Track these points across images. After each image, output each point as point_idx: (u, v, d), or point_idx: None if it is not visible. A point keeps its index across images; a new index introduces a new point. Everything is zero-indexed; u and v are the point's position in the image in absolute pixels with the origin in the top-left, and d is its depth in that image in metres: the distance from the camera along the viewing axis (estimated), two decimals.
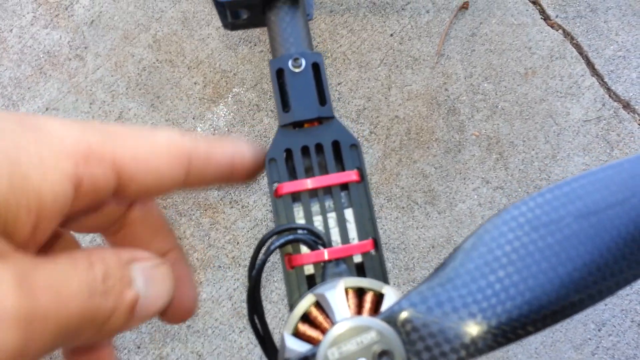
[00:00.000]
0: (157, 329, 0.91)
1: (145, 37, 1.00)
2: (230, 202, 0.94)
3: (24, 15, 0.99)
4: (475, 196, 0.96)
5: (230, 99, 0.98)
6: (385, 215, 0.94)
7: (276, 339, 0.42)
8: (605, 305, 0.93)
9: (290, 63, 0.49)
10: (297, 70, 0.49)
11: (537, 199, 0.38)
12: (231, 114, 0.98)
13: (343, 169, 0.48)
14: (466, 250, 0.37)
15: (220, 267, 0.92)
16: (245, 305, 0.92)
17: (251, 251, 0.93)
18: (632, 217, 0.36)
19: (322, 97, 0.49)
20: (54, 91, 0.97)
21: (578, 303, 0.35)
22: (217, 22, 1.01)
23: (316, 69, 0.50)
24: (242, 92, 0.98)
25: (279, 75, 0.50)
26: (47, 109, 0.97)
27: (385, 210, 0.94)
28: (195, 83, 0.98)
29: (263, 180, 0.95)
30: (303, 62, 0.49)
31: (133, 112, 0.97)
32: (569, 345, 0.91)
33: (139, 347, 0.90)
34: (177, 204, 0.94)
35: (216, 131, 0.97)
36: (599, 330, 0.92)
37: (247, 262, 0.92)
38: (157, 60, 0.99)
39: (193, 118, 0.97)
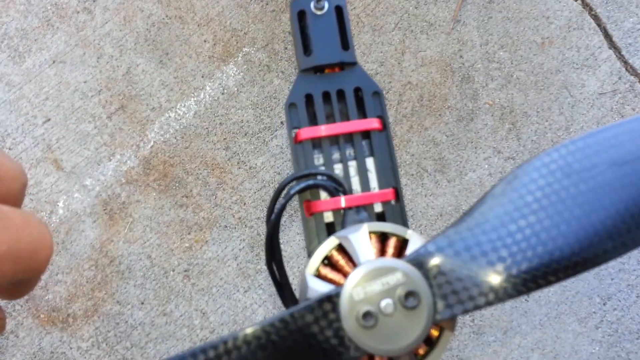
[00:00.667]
0: (162, 286, 0.90)
1: None
2: (238, 163, 0.93)
3: None
4: (486, 166, 0.95)
5: (240, 58, 0.96)
6: None
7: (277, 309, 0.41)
8: (612, 279, 0.93)
9: (312, 4, 0.47)
10: (319, 12, 0.48)
11: (570, 147, 0.37)
12: (241, 73, 0.96)
13: (365, 117, 0.47)
14: (495, 195, 0.36)
15: (226, 227, 0.92)
16: (249, 266, 0.92)
17: (258, 212, 0.92)
18: None
19: (345, 42, 0.48)
20: (61, 44, 0.95)
21: (611, 250, 0.34)
22: None
23: (339, 12, 0.48)
24: (252, 52, 0.97)
25: (300, 17, 0.48)
26: (54, 62, 0.95)
27: None
28: (205, 41, 0.96)
29: (272, 142, 0.93)
30: (326, 4, 0.47)
31: (141, 68, 0.95)
32: (573, 318, 0.91)
33: (142, 303, 0.90)
34: (185, 163, 0.93)
35: (225, 90, 0.95)
36: (604, 304, 0.92)
37: (254, 223, 0.91)
38: (167, 16, 0.97)
39: (202, 76, 0.96)
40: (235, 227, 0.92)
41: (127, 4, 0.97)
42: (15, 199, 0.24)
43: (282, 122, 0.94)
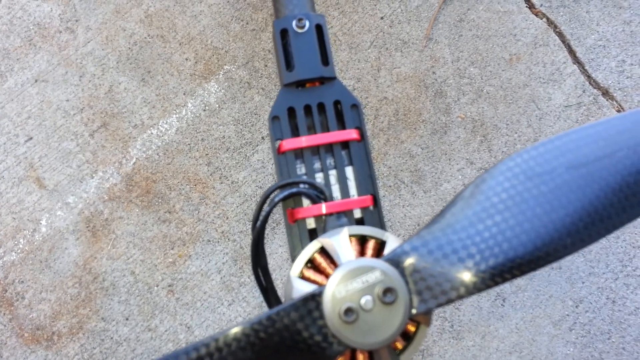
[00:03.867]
0: (146, 301, 0.91)
1: (137, 12, 1.00)
2: (220, 178, 0.95)
3: None
4: (460, 176, 0.99)
5: (221, 75, 0.99)
6: None
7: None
8: (583, 283, 0.97)
9: (294, 23, 0.50)
10: (301, 30, 0.51)
11: (531, 152, 0.40)
12: (222, 90, 0.98)
13: (344, 128, 0.49)
14: (465, 198, 0.39)
15: (209, 241, 0.93)
16: (233, 279, 0.93)
17: (241, 226, 0.94)
18: (618, 169, 0.39)
19: (325, 58, 0.51)
20: (44, 63, 0.97)
21: (570, 245, 0.37)
22: None
23: (319, 30, 0.51)
24: (233, 69, 0.99)
25: (283, 35, 0.51)
26: (36, 81, 0.96)
27: None
28: (186, 59, 0.99)
29: (253, 156, 0.96)
30: (307, 23, 0.51)
31: (123, 86, 0.97)
32: (547, 321, 0.95)
33: (127, 319, 0.91)
34: (167, 179, 0.95)
35: (207, 107, 0.98)
36: (576, 306, 0.96)
37: (237, 237, 0.93)
38: (149, 35, 0.99)
39: (184, 94, 0.98)
40: (218, 241, 0.93)
41: (109, 23, 0.99)
42: None
43: (262, 137, 0.97)
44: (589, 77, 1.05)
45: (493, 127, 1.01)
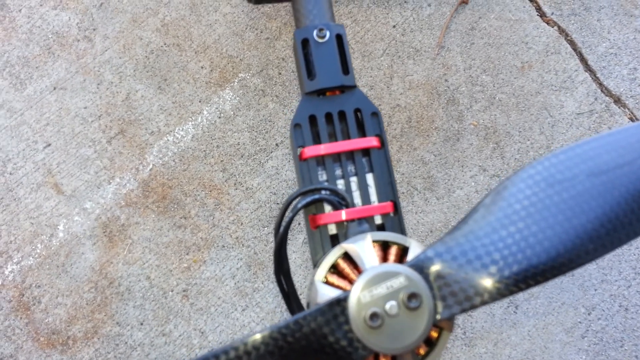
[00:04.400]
0: (161, 306, 0.92)
1: (153, 21, 1.01)
2: (235, 184, 0.96)
3: None
4: (473, 183, 0.99)
5: (236, 83, 1.00)
6: None
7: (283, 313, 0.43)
8: (595, 290, 0.97)
9: (315, 33, 0.51)
10: (321, 40, 0.52)
11: (552, 159, 0.41)
12: (237, 98, 1.00)
13: (364, 136, 0.50)
14: (486, 205, 0.40)
15: (224, 246, 0.94)
16: (247, 285, 0.94)
17: (255, 231, 0.95)
18: (639, 176, 0.39)
19: (345, 67, 0.52)
20: (62, 71, 0.98)
21: (592, 251, 0.38)
22: (224, 8, 1.03)
23: (339, 40, 0.52)
24: (248, 77, 1.01)
25: (304, 45, 0.52)
26: (54, 88, 0.98)
27: None
28: (202, 67, 1.00)
29: (267, 163, 0.97)
30: (327, 33, 0.52)
31: (140, 94, 0.99)
32: (560, 328, 0.95)
33: (141, 324, 0.92)
34: (183, 185, 0.96)
35: (222, 114, 0.99)
36: (588, 314, 0.96)
37: (251, 243, 0.94)
38: (165, 44, 1.01)
39: (199, 101, 0.99)
40: (232, 247, 0.94)
41: (126, 32, 1.01)
42: None
43: (277, 144, 0.98)
44: (600, 84, 1.06)
45: (505, 134, 1.02)
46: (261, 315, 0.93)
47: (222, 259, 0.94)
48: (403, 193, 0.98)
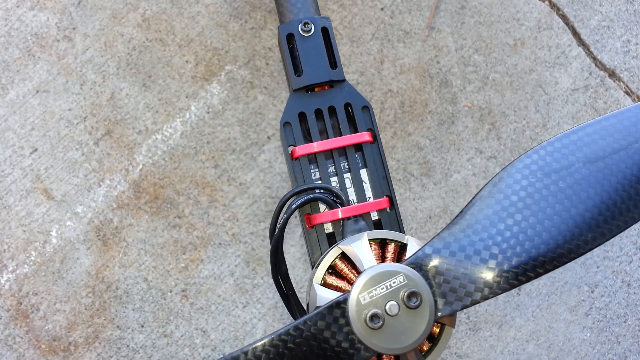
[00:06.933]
0: (160, 307, 0.91)
1: (134, 17, 0.99)
2: (228, 180, 0.95)
3: None
4: (470, 166, 0.98)
5: (223, 76, 0.98)
6: None
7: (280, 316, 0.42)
8: (598, 267, 0.96)
9: (300, 28, 0.49)
10: (307, 34, 0.50)
11: (547, 148, 0.40)
12: (225, 91, 0.97)
13: (356, 131, 0.49)
14: (483, 198, 0.38)
15: (220, 244, 0.93)
16: (246, 281, 0.93)
17: (251, 227, 0.94)
18: (635, 161, 0.38)
19: (333, 61, 0.50)
20: (44, 73, 0.96)
21: (591, 240, 0.36)
22: None
23: (325, 33, 0.50)
24: (234, 69, 0.98)
25: (289, 40, 0.50)
26: (37, 92, 0.95)
27: None
28: (187, 61, 0.98)
29: (260, 157, 0.95)
30: (313, 26, 0.50)
31: (125, 92, 0.96)
32: (564, 307, 0.94)
33: (142, 326, 0.91)
34: (175, 183, 0.94)
35: (210, 109, 0.97)
36: (592, 291, 0.95)
37: (247, 239, 0.93)
38: (147, 39, 0.98)
39: (186, 97, 0.97)
40: (229, 244, 0.93)
41: (107, 29, 0.98)
42: None
43: (268, 137, 0.96)
44: (594, 59, 1.04)
45: (501, 114, 1.00)
46: (262, 311, 0.92)
47: (219, 257, 0.93)
48: (400, 180, 0.97)
